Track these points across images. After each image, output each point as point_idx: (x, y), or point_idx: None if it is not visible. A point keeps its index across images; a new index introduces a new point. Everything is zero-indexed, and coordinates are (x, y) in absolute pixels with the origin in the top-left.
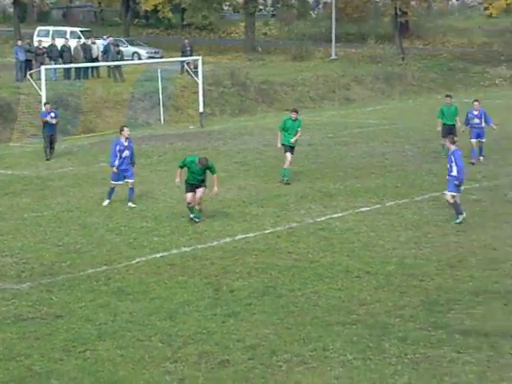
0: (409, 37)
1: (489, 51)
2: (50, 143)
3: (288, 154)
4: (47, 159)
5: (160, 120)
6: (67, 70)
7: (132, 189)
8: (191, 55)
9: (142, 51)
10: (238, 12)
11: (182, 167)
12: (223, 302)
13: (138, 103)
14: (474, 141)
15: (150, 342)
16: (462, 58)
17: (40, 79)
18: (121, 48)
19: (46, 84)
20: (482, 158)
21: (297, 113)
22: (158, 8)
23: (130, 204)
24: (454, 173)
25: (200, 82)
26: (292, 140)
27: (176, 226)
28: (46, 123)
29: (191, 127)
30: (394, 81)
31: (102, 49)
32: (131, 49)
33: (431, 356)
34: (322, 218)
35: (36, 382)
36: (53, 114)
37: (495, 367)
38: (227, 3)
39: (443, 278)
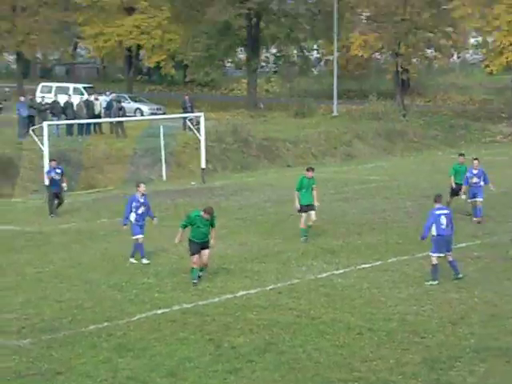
0: (410, 94)
1: (490, 108)
2: (57, 199)
3: (311, 212)
4: (51, 214)
5: (162, 176)
6: (70, 126)
7: (138, 245)
8: (192, 111)
9: (145, 107)
10: (240, 69)
11: (185, 226)
12: (224, 358)
13: (140, 159)
14: (471, 200)
15: None
16: (463, 114)
17: (42, 135)
18: (123, 104)
19: (49, 140)
20: (475, 219)
21: (313, 171)
22: (161, 65)
23: (131, 260)
24: (434, 232)
25: (202, 138)
26: (316, 203)
27: (177, 282)
28: (51, 179)
29: (193, 183)
30: (395, 137)
31: (104, 105)
32: (134, 105)
33: None
34: (324, 275)
35: None
36: (58, 171)
37: None
38: (229, 60)
39: (445, 335)
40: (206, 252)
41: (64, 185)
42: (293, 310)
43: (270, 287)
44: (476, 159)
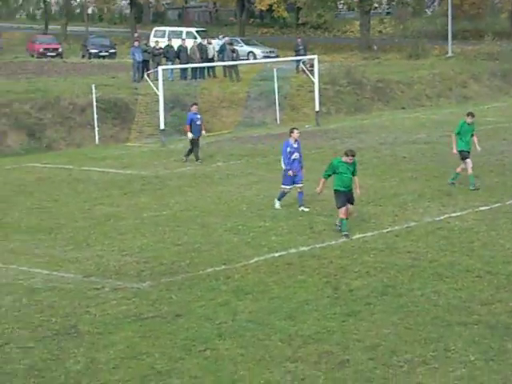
0: None
1: None
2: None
3: (468, 160)
4: (197, 160)
5: (276, 119)
6: (184, 71)
7: (301, 193)
8: (305, 54)
9: (258, 51)
10: (353, 10)
11: (329, 175)
12: (342, 301)
13: (254, 103)
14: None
15: (269, 341)
16: None
17: (157, 79)
18: (236, 47)
19: (163, 84)
20: None
21: (473, 116)
22: (273, 7)
23: (302, 208)
24: None
25: (316, 81)
26: (478, 148)
27: (294, 225)
28: (192, 125)
29: (307, 126)
30: (511, 78)
31: (217, 48)
32: (246, 48)
33: None
34: (441, 217)
35: (157, 381)
36: (199, 116)
37: None
38: (342, 2)
39: None
40: (352, 206)
41: (203, 132)
42: (410, 252)
43: (387, 230)
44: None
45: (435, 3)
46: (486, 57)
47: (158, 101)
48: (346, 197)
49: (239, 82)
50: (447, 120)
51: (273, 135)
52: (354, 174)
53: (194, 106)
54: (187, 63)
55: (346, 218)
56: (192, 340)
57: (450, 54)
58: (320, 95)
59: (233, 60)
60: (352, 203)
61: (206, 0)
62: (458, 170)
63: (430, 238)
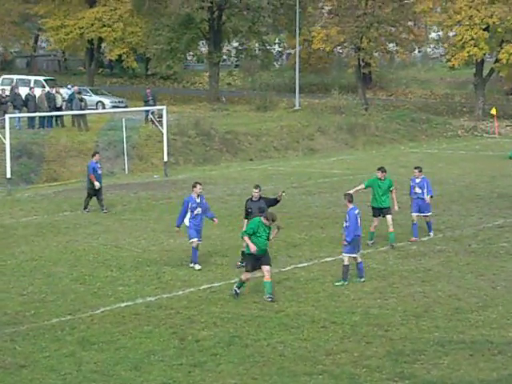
0: (372, 88)
1: (451, 102)
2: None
3: (388, 217)
4: (87, 211)
5: (124, 169)
6: (31, 119)
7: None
8: (154, 104)
9: (106, 100)
10: (202, 62)
11: (250, 234)
12: (189, 351)
13: (102, 152)
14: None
15: None
16: (425, 109)
17: (4, 128)
18: (85, 97)
19: (10, 133)
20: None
21: (384, 171)
22: (122, 58)
23: (193, 266)
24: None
25: (164, 131)
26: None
27: (141, 275)
28: (94, 174)
29: (155, 176)
30: (357, 131)
31: (66, 98)
32: (95, 98)
33: None
34: (287, 268)
35: None
36: (99, 165)
37: None
38: (191, 53)
39: (409, 328)
40: (266, 268)
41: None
42: (257, 303)
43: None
44: (417, 168)
45: (283, 57)
46: (333, 110)
47: (4, 149)
48: (257, 258)
49: (87, 132)
50: (294, 172)
51: (121, 185)
52: (268, 237)
53: (97, 155)
54: (35, 111)
55: (246, 281)
56: None
57: (297, 106)
58: (168, 146)
59: (81, 109)
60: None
61: (55, 49)
62: (372, 229)
63: (276, 288)
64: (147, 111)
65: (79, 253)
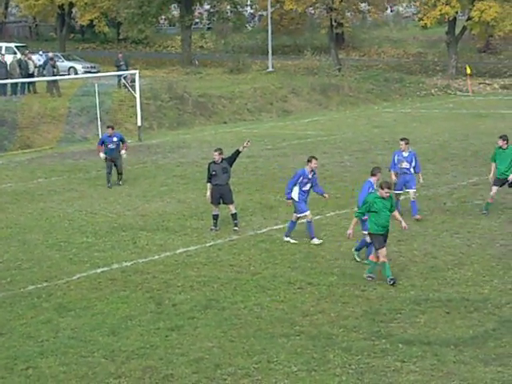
0: (345, 48)
1: (424, 61)
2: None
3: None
4: (109, 187)
5: (98, 134)
6: (3, 86)
7: (308, 222)
8: (126, 69)
9: (79, 66)
10: (174, 25)
11: (362, 214)
12: (166, 316)
13: (76, 118)
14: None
15: (92, 357)
16: (398, 68)
17: None
18: (57, 63)
19: None
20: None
21: (505, 139)
22: (94, 22)
23: (287, 239)
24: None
25: (137, 95)
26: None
27: (116, 240)
28: (106, 148)
29: (129, 141)
30: (330, 92)
31: (39, 63)
32: (67, 64)
33: (375, 366)
34: (263, 230)
35: None
36: (115, 139)
37: (439, 376)
38: (163, 17)
39: (385, 288)
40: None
41: (123, 152)
42: (233, 266)
43: (210, 244)
44: (403, 139)
45: (255, 19)
46: (306, 71)
47: None
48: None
49: (60, 98)
50: (269, 134)
51: (94, 151)
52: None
53: (109, 129)
54: (7, 78)
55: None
56: (14, 359)
57: (270, 68)
58: (142, 110)
59: (53, 75)
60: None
61: (26, 15)
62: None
63: (252, 251)
64: (120, 76)
65: (54, 219)
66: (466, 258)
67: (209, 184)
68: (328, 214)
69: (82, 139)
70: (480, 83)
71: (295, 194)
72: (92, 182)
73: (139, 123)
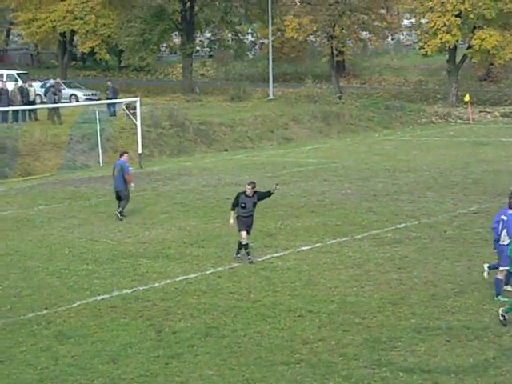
0: (345, 76)
1: (425, 89)
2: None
3: None
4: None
5: (99, 162)
6: (5, 113)
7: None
8: (113, 97)
9: (80, 93)
10: (176, 53)
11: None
12: (166, 343)
13: (77, 145)
14: None
15: None
16: (399, 96)
17: None
18: (61, 90)
19: None
20: None
21: None
22: (95, 50)
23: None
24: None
25: (138, 123)
26: None
27: (117, 267)
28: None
29: (131, 168)
30: (331, 120)
31: (40, 91)
32: (69, 91)
33: None
34: (264, 258)
35: None
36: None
37: None
38: (164, 45)
39: (385, 316)
40: None
41: (132, 185)
42: (233, 293)
43: (210, 271)
44: None
45: (256, 47)
46: (307, 99)
47: None
48: None
49: (61, 125)
50: (269, 161)
51: (95, 178)
52: None
53: (125, 155)
54: (8, 106)
55: None
56: None
57: (271, 96)
58: (143, 137)
59: (55, 102)
60: None
61: (27, 42)
62: None
63: (252, 278)
64: (114, 104)
65: (54, 246)
66: (466, 285)
67: (233, 212)
68: (328, 242)
69: (82, 166)
70: (480, 111)
71: None
72: (93, 209)
73: (140, 150)
